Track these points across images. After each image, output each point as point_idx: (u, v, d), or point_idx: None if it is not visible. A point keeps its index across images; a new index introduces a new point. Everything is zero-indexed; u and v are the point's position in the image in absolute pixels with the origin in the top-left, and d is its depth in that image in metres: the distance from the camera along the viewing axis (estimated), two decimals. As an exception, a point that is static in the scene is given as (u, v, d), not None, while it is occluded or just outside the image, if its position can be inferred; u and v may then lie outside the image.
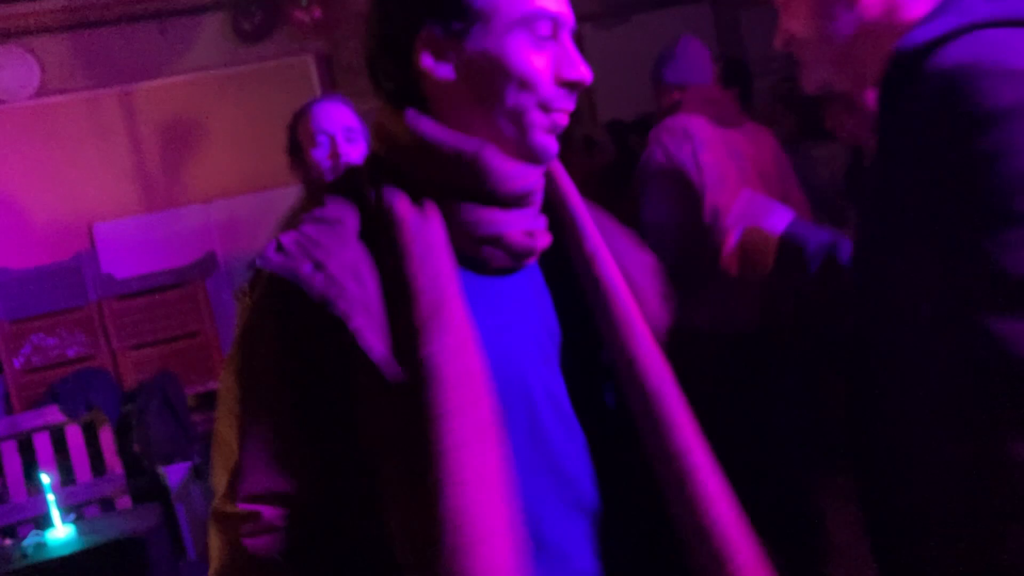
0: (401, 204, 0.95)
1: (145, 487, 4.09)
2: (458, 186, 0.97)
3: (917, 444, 0.95)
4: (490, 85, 0.97)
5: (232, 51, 4.98)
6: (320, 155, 2.08)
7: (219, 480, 1.01)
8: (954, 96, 0.93)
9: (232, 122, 4.92)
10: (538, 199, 1.03)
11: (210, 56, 4.96)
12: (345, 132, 2.07)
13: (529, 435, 0.97)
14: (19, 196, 4.73)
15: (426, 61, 0.98)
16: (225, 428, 1.01)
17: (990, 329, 0.86)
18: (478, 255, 0.99)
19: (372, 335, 0.90)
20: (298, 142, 2.16)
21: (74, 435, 3.97)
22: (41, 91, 4.74)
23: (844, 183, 3.70)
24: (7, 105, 4.70)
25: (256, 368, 0.96)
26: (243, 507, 0.93)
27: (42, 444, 3.91)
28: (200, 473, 3.99)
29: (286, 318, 0.93)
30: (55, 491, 3.74)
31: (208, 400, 4.43)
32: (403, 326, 0.90)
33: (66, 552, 2.59)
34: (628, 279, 1.05)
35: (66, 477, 3.91)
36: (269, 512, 0.93)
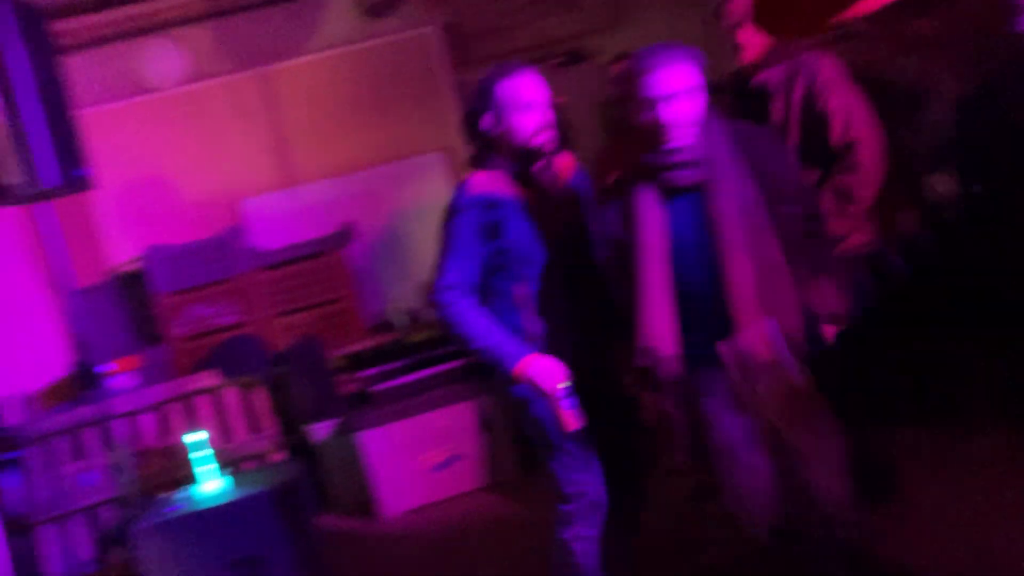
0: None
1: (297, 443, 4.36)
2: None
3: None
4: None
5: (360, 27, 5.15)
6: (532, 123, 2.24)
7: None
8: None
9: (363, 96, 5.09)
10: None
11: (339, 33, 5.15)
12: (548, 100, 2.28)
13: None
14: (173, 178, 5.08)
15: None
16: None
17: None
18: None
19: None
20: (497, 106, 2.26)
21: (230, 397, 4.28)
22: (187, 78, 5.05)
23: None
24: (158, 94, 5.04)
25: None
26: None
27: (203, 405, 4.24)
28: (344, 429, 4.22)
29: None
30: (214, 447, 4.04)
31: (350, 362, 4.66)
32: None
33: (215, 503, 2.75)
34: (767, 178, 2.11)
35: (224, 435, 4.22)
36: None
